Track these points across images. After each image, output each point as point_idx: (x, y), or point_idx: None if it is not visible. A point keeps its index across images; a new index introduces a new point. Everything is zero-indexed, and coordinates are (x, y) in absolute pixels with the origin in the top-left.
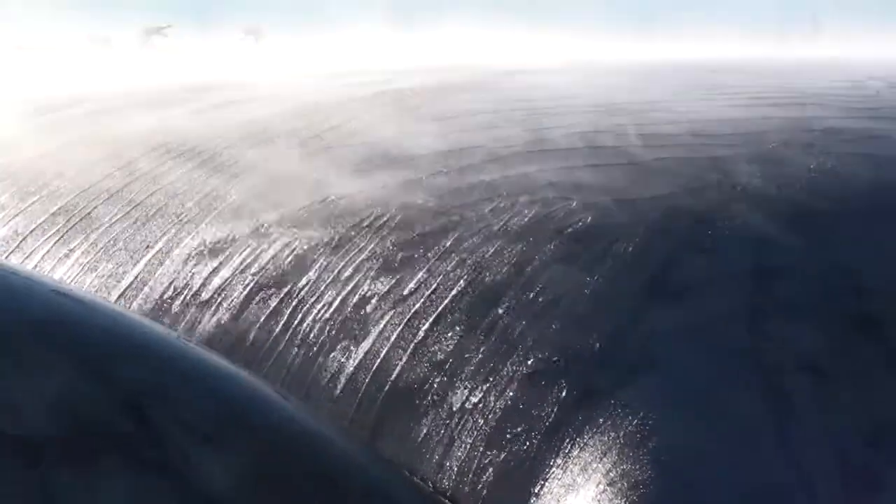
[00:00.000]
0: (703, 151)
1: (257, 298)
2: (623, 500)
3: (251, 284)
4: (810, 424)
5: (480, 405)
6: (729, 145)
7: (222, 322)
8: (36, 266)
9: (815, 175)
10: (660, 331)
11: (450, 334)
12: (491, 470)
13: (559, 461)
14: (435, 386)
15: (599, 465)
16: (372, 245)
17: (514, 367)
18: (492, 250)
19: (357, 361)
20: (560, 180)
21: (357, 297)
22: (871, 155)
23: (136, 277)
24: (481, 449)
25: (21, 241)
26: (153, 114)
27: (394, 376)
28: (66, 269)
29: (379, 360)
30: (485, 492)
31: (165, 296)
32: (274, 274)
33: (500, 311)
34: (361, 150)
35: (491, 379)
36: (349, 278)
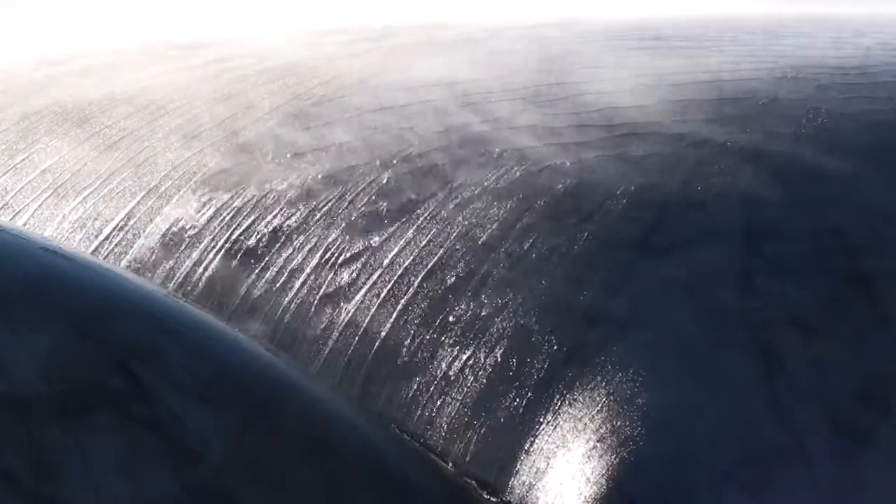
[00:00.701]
0: (687, 114)
1: (248, 256)
2: (612, 457)
3: (241, 241)
4: (799, 381)
5: (471, 362)
6: (717, 100)
7: (212, 279)
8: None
9: (804, 133)
10: (650, 288)
11: (439, 292)
12: (481, 427)
13: (549, 418)
14: (425, 343)
15: (589, 422)
16: (362, 203)
17: (504, 325)
18: (481, 207)
19: (347, 319)
20: (546, 141)
21: (347, 255)
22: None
23: (125, 233)
24: (471, 406)
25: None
26: (156, 67)
27: (383, 334)
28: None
29: (368, 318)
30: (474, 448)
31: (156, 251)
32: (265, 231)
33: (491, 267)
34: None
35: (482, 335)
36: (338, 237)
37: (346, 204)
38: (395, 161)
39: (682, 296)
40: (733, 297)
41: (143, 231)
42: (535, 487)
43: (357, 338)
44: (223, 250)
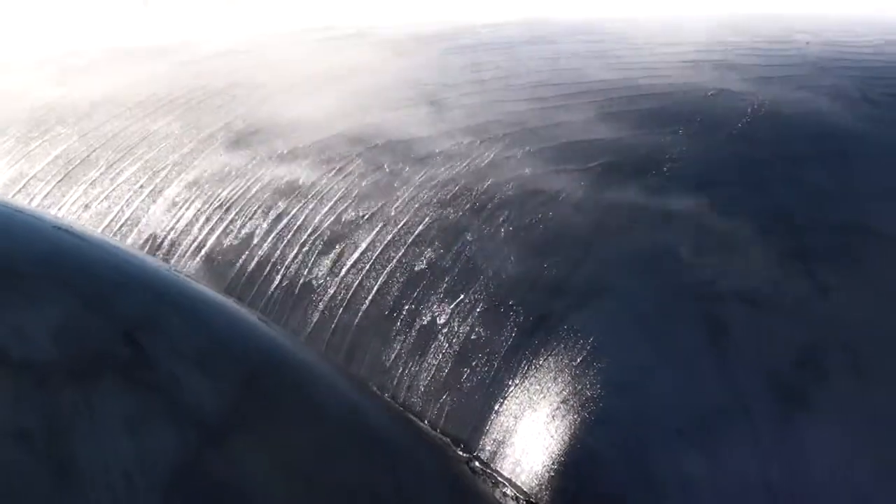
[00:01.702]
0: (640, 103)
1: (241, 233)
2: (574, 416)
3: (235, 220)
4: (743, 348)
5: (445, 330)
6: (668, 85)
7: (210, 255)
8: (38, 205)
9: (748, 122)
10: (608, 264)
11: (417, 265)
12: (455, 389)
13: (517, 381)
14: (404, 313)
15: (552, 385)
16: (344, 181)
17: (476, 296)
18: (457, 187)
19: (332, 291)
20: (516, 129)
21: (331, 231)
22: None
23: (131, 214)
24: (446, 371)
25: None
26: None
27: (366, 305)
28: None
29: (352, 291)
30: (448, 409)
31: (158, 230)
32: (255, 209)
33: (464, 243)
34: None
35: (455, 306)
36: (326, 214)
37: (332, 183)
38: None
39: (639, 271)
40: (685, 273)
41: (149, 209)
42: (505, 444)
43: (342, 309)
44: (218, 229)
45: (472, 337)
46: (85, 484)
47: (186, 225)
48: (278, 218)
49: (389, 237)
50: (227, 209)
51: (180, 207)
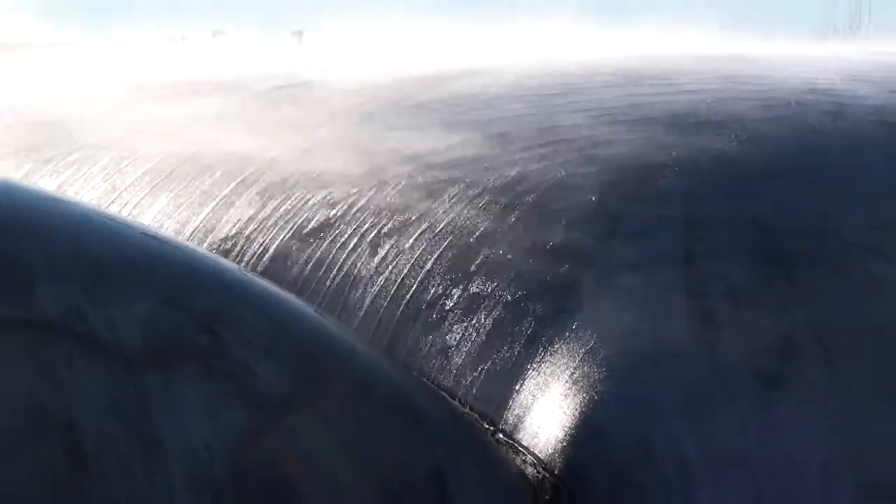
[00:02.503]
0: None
1: (298, 238)
2: (583, 395)
3: (294, 228)
4: (730, 338)
5: (474, 322)
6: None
7: (273, 258)
8: (128, 214)
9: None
10: (613, 266)
11: (450, 267)
12: (482, 373)
13: (534, 366)
14: (437, 307)
15: (565, 370)
16: (388, 196)
17: (500, 293)
18: (483, 203)
19: (376, 290)
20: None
21: (373, 237)
22: None
23: (205, 222)
24: (474, 357)
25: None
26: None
27: (406, 300)
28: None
29: (394, 288)
30: (476, 390)
31: (229, 236)
32: (308, 217)
33: (488, 251)
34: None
35: (482, 302)
36: (370, 228)
37: (379, 198)
38: None
39: (638, 272)
40: (678, 274)
41: (222, 218)
42: (524, 419)
43: (385, 304)
44: (279, 236)
45: (496, 328)
46: (168, 453)
47: (252, 232)
48: (331, 226)
49: (426, 243)
50: (287, 219)
51: (248, 217)
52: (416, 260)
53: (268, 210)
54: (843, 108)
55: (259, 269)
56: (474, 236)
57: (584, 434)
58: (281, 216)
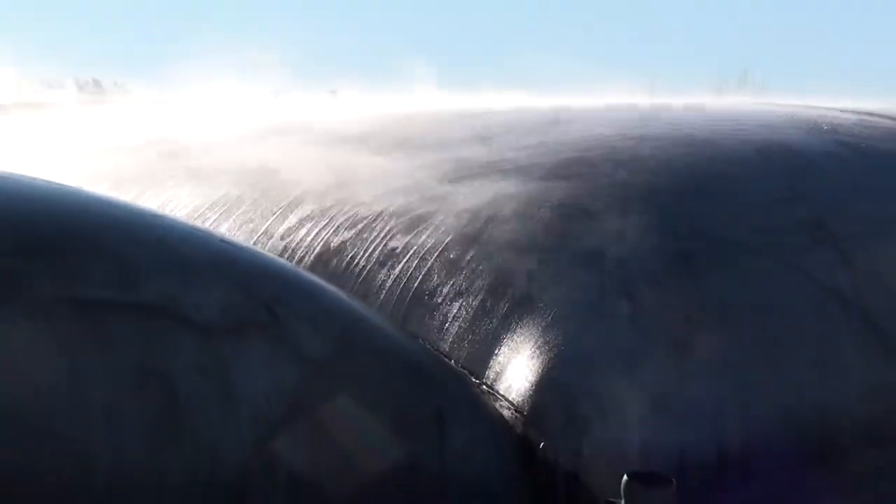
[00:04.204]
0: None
1: (335, 242)
2: (547, 357)
3: (332, 233)
4: (651, 315)
5: (464, 304)
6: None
7: (318, 258)
8: (209, 226)
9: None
10: (565, 264)
11: (448, 261)
12: (471, 341)
13: (509, 335)
14: (437, 292)
15: (533, 337)
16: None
17: (482, 282)
18: (470, 215)
19: (392, 280)
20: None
21: (390, 241)
22: None
23: (267, 231)
24: (464, 329)
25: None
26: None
27: (414, 288)
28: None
29: (406, 279)
30: (467, 353)
31: (283, 240)
32: (340, 222)
33: (476, 247)
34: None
35: (469, 288)
36: (387, 233)
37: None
38: None
39: (594, 265)
40: (612, 267)
41: (277, 229)
42: (501, 374)
43: (399, 290)
44: (318, 245)
45: (481, 308)
46: (239, 401)
47: (300, 238)
48: (364, 229)
49: (430, 244)
50: (327, 227)
51: (297, 226)
52: (421, 257)
53: (313, 221)
54: (729, 142)
55: (304, 265)
56: (467, 235)
57: (545, 385)
58: (323, 227)
